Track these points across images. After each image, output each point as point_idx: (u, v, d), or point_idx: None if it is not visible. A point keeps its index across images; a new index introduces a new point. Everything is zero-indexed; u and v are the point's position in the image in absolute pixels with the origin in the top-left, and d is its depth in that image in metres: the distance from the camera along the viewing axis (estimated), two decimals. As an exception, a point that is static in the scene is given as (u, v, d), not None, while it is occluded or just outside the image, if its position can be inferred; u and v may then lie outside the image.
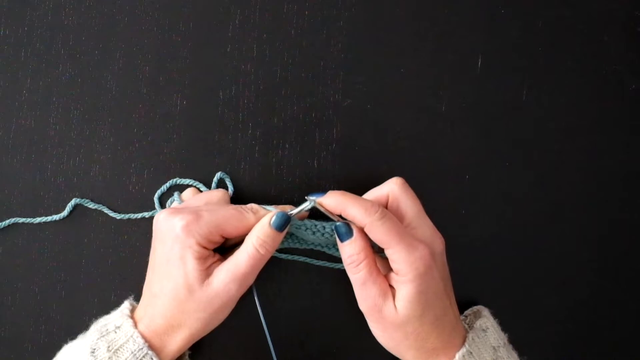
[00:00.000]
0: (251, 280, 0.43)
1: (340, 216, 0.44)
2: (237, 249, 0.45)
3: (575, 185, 0.52)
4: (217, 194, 0.48)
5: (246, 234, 0.44)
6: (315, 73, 0.52)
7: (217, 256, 0.44)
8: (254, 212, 0.44)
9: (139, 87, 0.51)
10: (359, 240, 0.43)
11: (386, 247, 0.42)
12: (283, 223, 0.43)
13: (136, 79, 0.51)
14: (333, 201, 0.43)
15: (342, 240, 0.43)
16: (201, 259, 0.42)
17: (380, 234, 0.41)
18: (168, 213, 0.43)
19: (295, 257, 0.50)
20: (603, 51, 0.53)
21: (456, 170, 0.52)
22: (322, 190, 0.45)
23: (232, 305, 0.43)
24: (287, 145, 0.51)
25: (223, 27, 0.51)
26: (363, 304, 0.43)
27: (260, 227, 0.43)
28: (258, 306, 0.46)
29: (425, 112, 0.52)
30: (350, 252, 0.43)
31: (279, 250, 0.50)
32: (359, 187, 0.48)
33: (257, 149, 0.51)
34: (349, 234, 0.43)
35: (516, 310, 0.52)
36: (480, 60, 0.52)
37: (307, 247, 0.48)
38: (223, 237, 0.43)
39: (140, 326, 0.43)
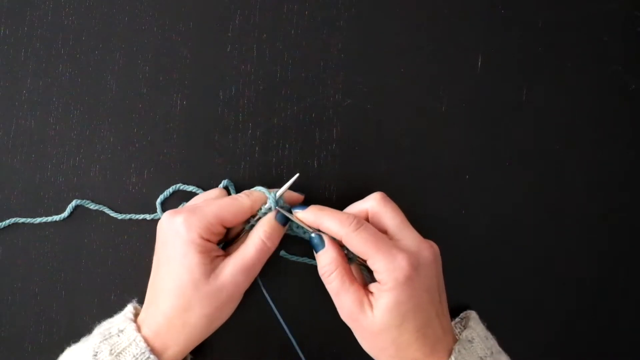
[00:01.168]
0: (257, 272, 0.44)
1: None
2: (237, 241, 0.46)
3: (575, 185, 0.53)
4: (214, 192, 0.49)
5: (244, 220, 0.45)
6: (315, 73, 0.52)
7: (220, 250, 0.45)
8: (247, 195, 0.45)
9: (139, 87, 0.51)
10: (330, 251, 0.44)
11: (366, 258, 0.42)
12: (286, 218, 0.46)
13: (136, 79, 0.51)
14: (311, 215, 0.44)
15: (316, 251, 0.45)
16: (205, 252, 0.42)
17: (356, 244, 0.42)
18: (169, 214, 0.44)
19: (305, 260, 0.50)
20: (603, 51, 0.53)
21: (456, 170, 0.52)
22: (305, 203, 0.47)
23: (237, 299, 0.44)
24: (287, 145, 0.51)
25: (223, 27, 0.51)
26: (341, 313, 0.44)
27: (267, 222, 0.45)
28: (268, 299, 0.48)
29: (425, 112, 0.52)
30: (323, 263, 0.44)
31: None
32: (359, 187, 0.48)
33: (257, 149, 0.51)
34: (322, 244, 0.44)
35: (515, 310, 0.52)
36: (480, 60, 0.52)
37: (298, 235, 0.48)
38: (224, 226, 0.44)
39: (143, 329, 0.43)
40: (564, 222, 0.52)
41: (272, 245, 0.45)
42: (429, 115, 0.52)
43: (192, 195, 0.50)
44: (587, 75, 0.53)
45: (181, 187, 0.51)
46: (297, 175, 0.46)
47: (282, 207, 0.46)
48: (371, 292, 0.43)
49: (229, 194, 0.50)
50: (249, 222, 0.47)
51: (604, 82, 0.53)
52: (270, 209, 0.46)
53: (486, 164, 0.52)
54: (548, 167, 0.52)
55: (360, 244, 0.42)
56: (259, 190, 0.46)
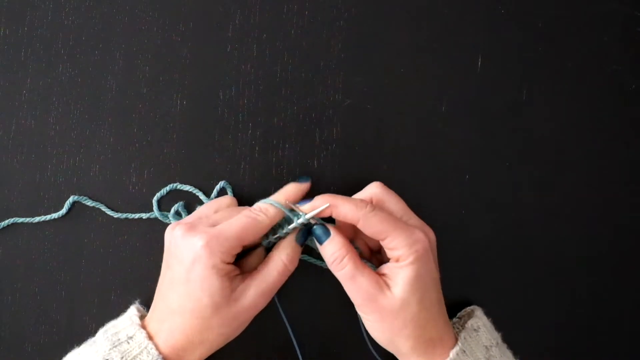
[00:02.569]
0: (275, 293, 0.45)
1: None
2: (251, 254, 0.46)
3: (575, 185, 0.52)
4: (225, 201, 0.48)
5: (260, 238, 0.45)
6: (315, 73, 0.52)
7: (237, 269, 0.44)
8: (265, 213, 0.44)
9: (139, 87, 0.51)
10: (338, 237, 0.44)
11: (383, 237, 0.42)
12: (306, 238, 0.46)
13: (136, 79, 0.51)
14: (323, 202, 0.43)
15: (320, 242, 0.44)
16: (225, 275, 0.42)
17: (375, 224, 0.42)
18: (185, 230, 0.42)
19: (304, 257, 0.50)
20: (603, 51, 0.53)
21: (456, 170, 0.52)
22: (310, 197, 0.45)
23: (253, 317, 0.44)
24: (287, 145, 0.51)
25: (223, 27, 0.51)
26: (356, 297, 0.43)
27: (289, 245, 0.45)
28: (283, 316, 0.48)
29: (425, 112, 0.52)
30: (332, 250, 0.43)
31: None
32: (359, 187, 0.48)
33: (257, 149, 0.51)
34: (327, 233, 0.44)
35: (516, 310, 0.52)
36: (480, 60, 0.52)
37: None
38: (243, 246, 0.44)
39: (158, 340, 0.42)
40: (564, 222, 0.52)
41: (293, 268, 0.45)
42: (429, 115, 0.52)
43: (188, 195, 0.50)
44: (587, 75, 0.53)
45: (178, 187, 0.50)
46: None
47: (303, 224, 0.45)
48: (384, 274, 0.43)
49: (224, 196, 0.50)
50: (266, 238, 0.46)
51: (604, 82, 0.53)
52: (289, 230, 0.45)
53: (486, 164, 0.52)
54: (548, 167, 0.52)
55: (378, 224, 0.42)
56: (274, 205, 0.44)
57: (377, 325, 0.43)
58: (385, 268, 0.43)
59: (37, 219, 0.50)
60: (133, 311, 0.46)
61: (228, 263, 0.42)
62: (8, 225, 0.50)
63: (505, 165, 0.52)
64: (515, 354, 0.47)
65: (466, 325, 0.46)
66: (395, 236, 0.42)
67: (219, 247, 0.41)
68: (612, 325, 0.53)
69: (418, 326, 0.42)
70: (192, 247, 0.41)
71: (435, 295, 0.43)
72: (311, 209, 0.44)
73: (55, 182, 0.51)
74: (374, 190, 0.46)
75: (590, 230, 0.53)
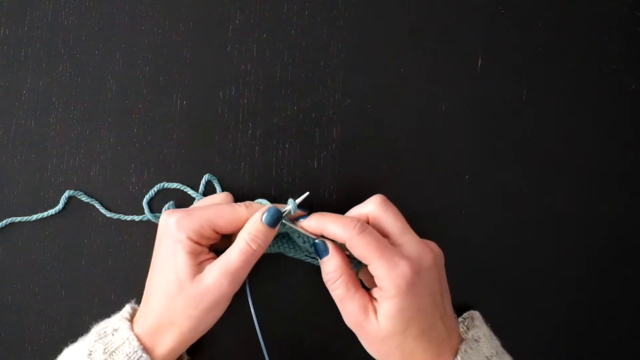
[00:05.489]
0: (243, 276, 0.43)
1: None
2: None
3: (575, 185, 0.52)
4: (219, 197, 0.48)
5: (238, 229, 0.44)
6: (315, 73, 0.52)
7: (212, 254, 0.44)
8: (247, 207, 0.44)
9: (139, 87, 0.51)
10: (335, 258, 0.43)
11: (367, 263, 0.42)
12: (274, 218, 0.43)
13: (136, 79, 0.51)
14: (314, 222, 0.43)
15: (320, 258, 0.44)
16: (192, 253, 0.42)
17: (359, 248, 0.41)
18: (166, 214, 0.44)
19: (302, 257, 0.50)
20: (603, 51, 0.53)
21: (456, 170, 0.52)
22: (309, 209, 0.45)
23: (224, 303, 0.43)
24: (287, 145, 0.51)
25: (223, 27, 0.51)
26: (346, 320, 0.43)
27: (252, 223, 0.43)
28: (250, 304, 0.46)
29: (425, 112, 0.52)
30: (328, 270, 0.43)
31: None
32: (359, 187, 0.48)
33: (257, 149, 0.51)
34: (326, 251, 0.43)
35: (515, 310, 0.52)
36: (480, 60, 0.52)
37: (299, 257, 0.47)
38: (216, 232, 0.43)
39: (136, 327, 0.43)
40: (564, 222, 0.52)
41: (258, 248, 0.42)
42: (429, 115, 0.52)
43: (178, 192, 0.50)
44: (587, 75, 0.53)
45: (165, 186, 0.50)
46: (308, 193, 0.45)
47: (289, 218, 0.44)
48: (375, 298, 0.42)
49: (215, 191, 0.50)
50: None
51: (604, 82, 0.53)
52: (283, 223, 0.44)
53: (486, 164, 0.52)
54: (548, 167, 0.52)
55: (363, 249, 0.41)
56: (261, 204, 0.45)
57: (367, 345, 0.44)
58: (375, 293, 0.42)
59: (34, 217, 0.50)
60: (127, 308, 0.46)
61: (197, 243, 0.42)
62: (8, 226, 0.50)
63: (505, 165, 0.52)
64: (514, 357, 0.47)
65: (467, 337, 0.45)
66: (378, 266, 0.41)
67: (188, 224, 0.42)
68: (613, 326, 0.53)
69: (405, 353, 0.41)
70: (167, 225, 0.43)
71: (425, 323, 0.41)
72: (307, 226, 0.44)
73: (56, 182, 0.51)
74: (371, 207, 0.44)
75: (590, 231, 0.53)
